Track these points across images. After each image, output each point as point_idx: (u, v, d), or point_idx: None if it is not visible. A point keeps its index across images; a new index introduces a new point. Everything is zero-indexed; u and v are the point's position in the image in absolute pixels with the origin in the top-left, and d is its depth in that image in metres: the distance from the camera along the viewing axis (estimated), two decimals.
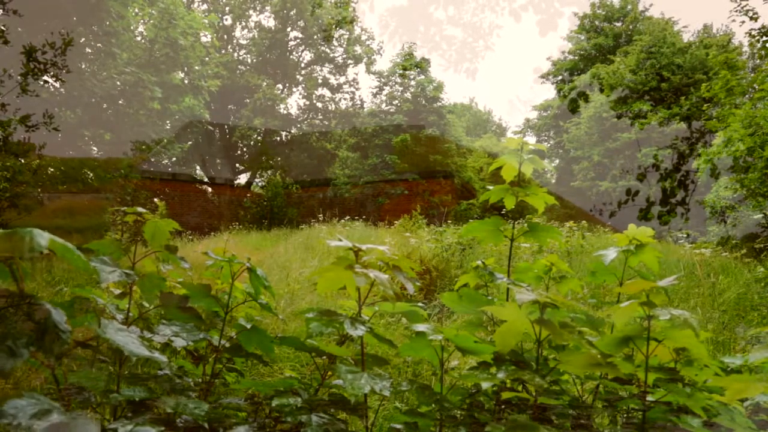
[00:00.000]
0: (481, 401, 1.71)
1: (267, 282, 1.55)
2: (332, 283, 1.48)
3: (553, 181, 30.25)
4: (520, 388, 1.61)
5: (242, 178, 27.77)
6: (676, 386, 1.35)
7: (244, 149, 27.86)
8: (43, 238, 0.80)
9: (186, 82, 21.21)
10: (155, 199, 13.37)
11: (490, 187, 1.83)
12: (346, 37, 28.59)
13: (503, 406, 1.63)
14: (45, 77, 8.84)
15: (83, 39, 17.70)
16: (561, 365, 1.38)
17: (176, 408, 1.18)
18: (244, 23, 28.95)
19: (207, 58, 21.98)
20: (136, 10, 19.18)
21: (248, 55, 28.95)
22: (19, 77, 8.61)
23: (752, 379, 1.22)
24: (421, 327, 1.54)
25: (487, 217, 1.82)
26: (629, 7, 28.53)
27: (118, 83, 18.57)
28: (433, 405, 1.44)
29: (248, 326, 1.55)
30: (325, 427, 1.28)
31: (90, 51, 18.64)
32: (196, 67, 21.24)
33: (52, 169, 10.59)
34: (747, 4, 10.49)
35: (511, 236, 1.76)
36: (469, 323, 1.71)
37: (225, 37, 28.26)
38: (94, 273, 1.10)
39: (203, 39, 22.52)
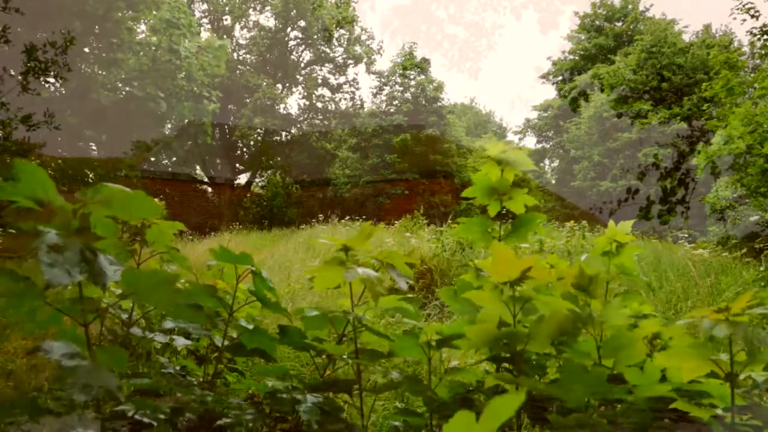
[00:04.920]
0: (482, 400, 1.72)
1: (271, 284, 1.57)
2: (327, 282, 1.51)
3: (553, 181, 30.26)
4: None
5: (242, 178, 27.80)
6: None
7: (244, 149, 27.88)
8: None
9: (185, 83, 21.22)
10: (155, 199, 13.38)
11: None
12: (346, 37, 28.61)
13: None
14: (46, 76, 8.85)
15: (86, 44, 17.73)
16: (529, 345, 1.40)
17: (185, 395, 1.21)
18: (244, 23, 28.98)
19: (207, 68, 21.97)
20: (133, 11, 19.18)
21: (248, 55, 28.98)
22: (19, 76, 8.63)
23: (703, 355, 1.18)
24: (411, 322, 1.57)
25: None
26: (630, 6, 28.54)
27: (120, 85, 18.61)
28: (423, 398, 1.46)
29: (250, 327, 1.57)
30: (320, 405, 1.30)
31: (89, 52, 18.67)
32: (200, 73, 21.24)
33: (50, 170, 10.60)
34: (749, 2, 10.49)
35: (498, 236, 1.77)
36: (468, 322, 1.72)
37: (225, 37, 28.29)
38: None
39: (204, 35, 22.54)
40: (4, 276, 1.06)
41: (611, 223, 1.82)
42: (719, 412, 1.24)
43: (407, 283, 1.57)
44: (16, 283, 1.06)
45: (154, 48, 19.64)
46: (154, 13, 19.43)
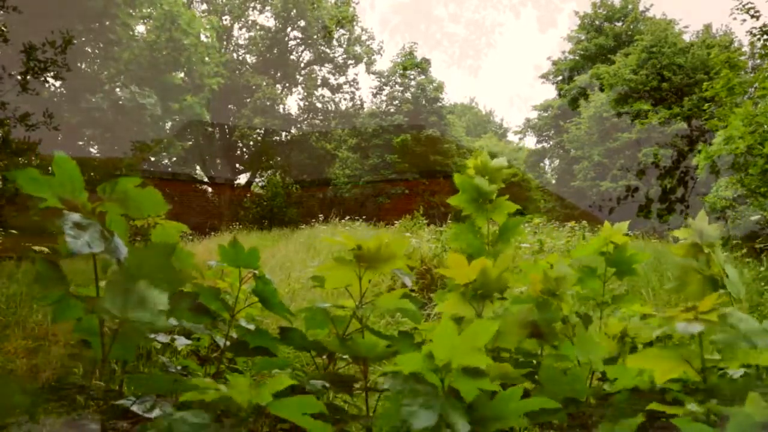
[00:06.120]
0: None
1: (274, 287, 1.58)
2: (337, 280, 1.52)
3: (553, 181, 30.25)
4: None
5: (242, 178, 27.80)
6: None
7: (244, 149, 27.88)
8: None
9: (186, 80, 21.22)
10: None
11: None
12: (346, 37, 28.61)
13: None
14: (45, 76, 8.83)
15: (84, 38, 17.72)
16: (499, 341, 1.43)
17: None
18: (243, 22, 28.97)
19: (207, 58, 22.02)
20: (137, 10, 19.18)
21: (248, 55, 28.98)
22: (18, 76, 8.61)
23: (675, 356, 1.17)
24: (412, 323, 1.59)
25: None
26: (630, 6, 28.53)
27: (120, 84, 18.60)
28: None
29: (251, 327, 1.57)
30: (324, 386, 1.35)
31: (89, 51, 18.66)
32: (195, 68, 21.26)
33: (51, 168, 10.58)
34: (748, 2, 10.50)
35: (488, 242, 1.80)
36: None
37: (224, 36, 28.29)
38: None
39: (203, 38, 22.58)
40: (44, 264, 1.20)
41: (607, 223, 1.82)
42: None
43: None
44: (51, 271, 1.20)
45: (153, 44, 19.66)
46: (152, 11, 19.43)
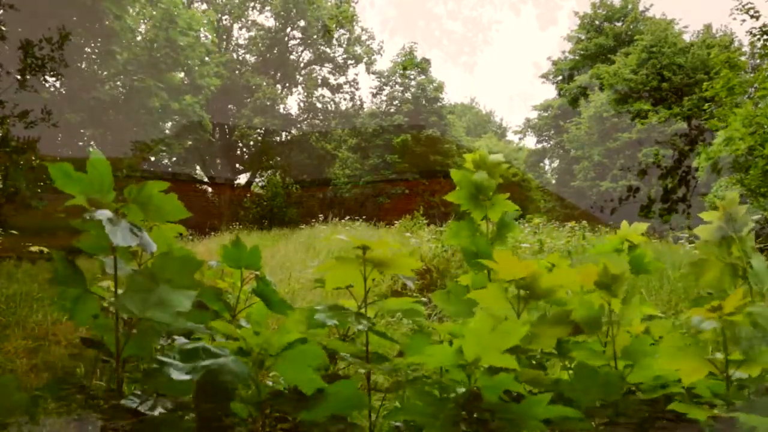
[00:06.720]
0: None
1: (275, 286, 1.57)
2: (339, 280, 1.50)
3: (553, 181, 30.23)
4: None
5: (242, 178, 27.79)
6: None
7: (244, 149, 27.86)
8: None
9: (186, 81, 21.22)
10: None
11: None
12: (346, 37, 28.61)
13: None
14: (43, 73, 8.81)
15: (83, 39, 17.71)
16: (533, 343, 1.38)
17: None
18: (243, 22, 28.97)
19: (207, 58, 22.02)
20: (136, 9, 19.20)
21: (248, 55, 28.97)
22: (17, 75, 8.59)
23: (700, 354, 1.10)
24: (418, 321, 1.58)
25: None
26: (630, 6, 28.53)
27: (119, 84, 18.60)
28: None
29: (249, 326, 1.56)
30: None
31: (89, 51, 18.66)
32: (196, 68, 21.27)
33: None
34: (748, 2, 10.51)
35: (487, 240, 1.78)
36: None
37: (224, 36, 28.28)
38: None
39: (202, 38, 22.58)
40: (62, 262, 1.22)
41: (624, 223, 1.82)
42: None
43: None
44: (69, 269, 1.23)
45: (152, 42, 19.65)
46: (152, 10, 19.42)
